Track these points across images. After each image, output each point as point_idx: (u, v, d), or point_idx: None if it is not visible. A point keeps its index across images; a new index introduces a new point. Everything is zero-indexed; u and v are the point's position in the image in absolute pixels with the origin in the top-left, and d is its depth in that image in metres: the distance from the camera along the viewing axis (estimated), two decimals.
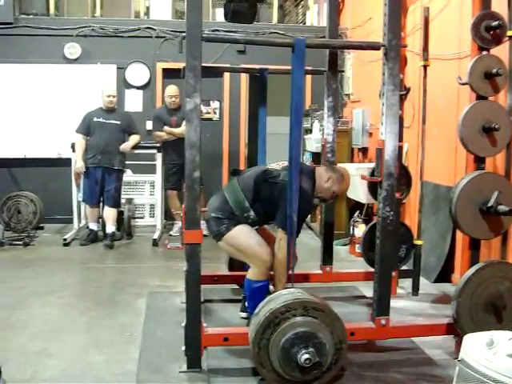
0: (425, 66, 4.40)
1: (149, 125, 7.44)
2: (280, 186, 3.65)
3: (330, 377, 3.07)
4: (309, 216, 7.68)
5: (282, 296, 3.10)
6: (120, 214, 6.88)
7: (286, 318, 2.97)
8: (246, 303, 3.93)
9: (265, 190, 3.73)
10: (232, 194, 3.76)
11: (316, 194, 3.87)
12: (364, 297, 4.61)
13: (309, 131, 7.50)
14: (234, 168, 4.28)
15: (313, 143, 6.91)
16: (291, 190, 3.28)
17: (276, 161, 3.92)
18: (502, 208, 3.35)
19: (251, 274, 3.70)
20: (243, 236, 3.70)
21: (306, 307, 3.02)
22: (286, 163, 3.69)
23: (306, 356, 2.91)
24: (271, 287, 3.97)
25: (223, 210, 3.70)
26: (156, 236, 6.74)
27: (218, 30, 7.58)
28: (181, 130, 6.72)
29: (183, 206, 3.15)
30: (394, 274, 4.30)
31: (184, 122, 6.59)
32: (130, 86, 7.95)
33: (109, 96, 6.64)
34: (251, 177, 3.83)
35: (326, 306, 3.08)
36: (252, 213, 3.72)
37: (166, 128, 6.89)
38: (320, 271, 4.61)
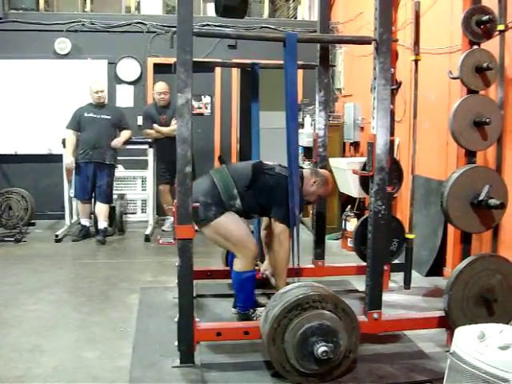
0: (416, 61, 4.40)
1: (140, 120, 7.38)
2: (276, 178, 3.71)
3: (329, 378, 3.10)
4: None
5: (316, 287, 3.15)
6: (112, 209, 6.87)
7: (315, 307, 3.02)
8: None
9: (261, 179, 3.76)
10: (221, 179, 3.73)
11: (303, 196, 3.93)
12: (356, 291, 4.62)
13: (300, 126, 7.49)
14: (220, 155, 4.31)
15: (304, 138, 6.90)
16: (291, 184, 3.30)
17: (268, 160, 3.98)
18: (492, 201, 3.36)
19: (239, 266, 3.70)
20: (232, 224, 3.68)
21: (336, 304, 3.07)
22: (277, 163, 3.86)
23: (324, 348, 2.94)
24: (273, 280, 4.01)
25: (212, 195, 3.66)
26: (148, 231, 6.73)
27: (208, 25, 7.57)
28: (168, 129, 6.75)
29: (175, 201, 3.15)
30: (385, 267, 4.32)
31: (173, 121, 6.68)
32: (121, 82, 7.93)
33: (97, 92, 6.61)
34: (246, 166, 3.88)
35: (353, 312, 3.14)
36: (238, 201, 3.70)
37: (154, 126, 6.87)
38: (312, 265, 4.62)
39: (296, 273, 3.41)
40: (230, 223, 3.68)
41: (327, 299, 3.06)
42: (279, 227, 3.67)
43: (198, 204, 3.29)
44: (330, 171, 5.64)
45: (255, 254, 3.71)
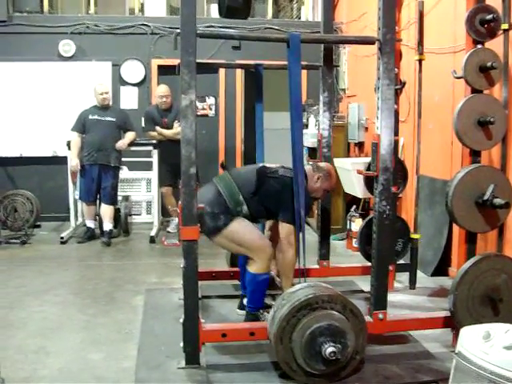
0: (420, 60, 4.39)
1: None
2: (281, 181, 3.71)
3: (335, 379, 3.09)
4: None
5: (324, 287, 3.16)
6: (117, 211, 6.88)
7: (325, 307, 3.02)
8: (246, 300, 3.93)
9: (266, 184, 3.74)
10: (226, 186, 3.72)
11: (309, 195, 3.93)
12: (361, 291, 4.62)
13: (305, 126, 7.49)
14: (222, 161, 4.30)
15: (309, 138, 6.90)
16: (297, 185, 3.29)
17: (272, 160, 3.97)
18: (497, 201, 3.35)
19: (256, 268, 3.67)
20: (244, 230, 3.67)
21: (345, 305, 3.08)
22: (278, 164, 3.86)
23: (332, 349, 2.94)
24: (278, 280, 4.00)
25: (218, 204, 3.65)
26: (153, 233, 6.74)
27: (212, 26, 7.55)
28: (171, 132, 6.76)
29: (179, 202, 3.15)
30: (391, 268, 4.31)
31: (175, 124, 6.69)
32: (125, 83, 7.94)
33: (102, 94, 6.62)
34: (250, 172, 3.85)
35: (361, 314, 3.14)
36: (245, 207, 3.69)
37: (157, 129, 6.88)
38: (317, 266, 4.62)
39: (302, 273, 3.40)
40: (242, 228, 3.68)
41: (336, 300, 3.06)
42: (287, 228, 3.65)
43: (203, 205, 3.29)
44: (334, 171, 5.64)
45: (271, 256, 3.70)
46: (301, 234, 3.38)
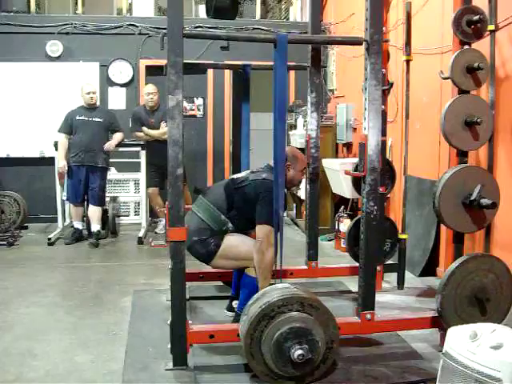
0: (407, 61, 4.41)
1: None
2: (252, 185, 3.72)
3: (318, 374, 3.07)
4: (294, 211, 7.75)
5: (279, 290, 3.09)
6: (104, 212, 6.85)
7: (282, 312, 2.97)
8: (235, 302, 3.92)
9: (238, 197, 3.75)
10: (205, 211, 3.75)
11: (290, 186, 3.99)
12: (349, 291, 4.62)
13: (293, 127, 7.51)
14: (195, 186, 4.33)
15: (297, 139, 6.92)
16: (277, 186, 3.27)
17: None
18: (484, 201, 3.36)
19: (255, 273, 3.67)
20: (235, 243, 3.69)
21: (302, 303, 3.02)
22: (249, 170, 3.94)
23: (300, 352, 2.91)
24: None
25: (203, 230, 3.69)
26: (141, 234, 6.72)
27: (200, 27, 7.55)
28: (157, 132, 6.76)
29: (167, 203, 3.14)
30: (379, 268, 4.32)
31: (162, 124, 6.67)
32: (113, 84, 7.92)
33: (89, 93, 6.58)
34: (220, 189, 3.86)
35: (322, 304, 3.09)
36: (230, 224, 3.72)
37: (144, 129, 6.86)
38: (305, 266, 4.61)
39: (280, 275, 3.36)
40: (233, 243, 3.69)
41: (292, 301, 3.00)
42: (264, 229, 3.60)
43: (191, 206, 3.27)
44: (323, 172, 5.66)
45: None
46: (279, 235, 3.35)
